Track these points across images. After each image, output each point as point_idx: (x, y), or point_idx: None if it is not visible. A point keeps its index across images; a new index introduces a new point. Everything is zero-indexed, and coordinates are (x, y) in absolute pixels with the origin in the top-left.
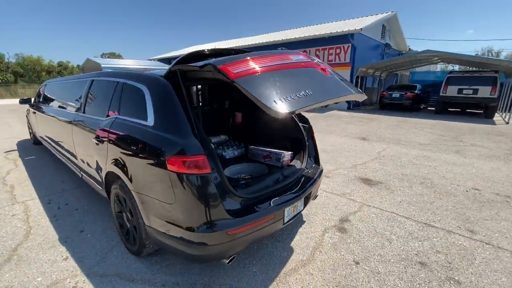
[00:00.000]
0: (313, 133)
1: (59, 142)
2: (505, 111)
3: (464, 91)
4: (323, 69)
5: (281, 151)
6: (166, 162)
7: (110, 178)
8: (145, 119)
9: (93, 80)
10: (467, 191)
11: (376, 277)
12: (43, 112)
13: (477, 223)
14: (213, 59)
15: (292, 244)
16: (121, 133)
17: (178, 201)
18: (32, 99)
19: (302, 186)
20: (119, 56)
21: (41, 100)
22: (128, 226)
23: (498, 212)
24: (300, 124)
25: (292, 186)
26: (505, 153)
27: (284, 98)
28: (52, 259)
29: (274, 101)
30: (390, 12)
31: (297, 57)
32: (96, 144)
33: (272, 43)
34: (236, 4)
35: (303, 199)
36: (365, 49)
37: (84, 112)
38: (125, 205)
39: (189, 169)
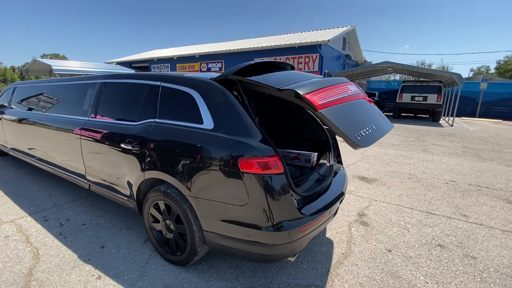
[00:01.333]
0: (334, 135)
1: (49, 152)
2: (447, 116)
3: (416, 98)
4: (369, 101)
5: (309, 152)
6: (239, 164)
7: (147, 186)
8: (199, 122)
9: (105, 83)
10: (446, 183)
11: (410, 261)
12: (18, 120)
13: (465, 208)
14: (292, 84)
15: (326, 240)
16: (167, 137)
17: (253, 202)
18: None
19: (339, 183)
20: (64, 58)
21: (10, 106)
22: (171, 235)
23: (477, 199)
24: (323, 126)
25: (331, 184)
26: (461, 150)
27: (360, 134)
28: (83, 279)
29: (355, 135)
30: (350, 26)
31: (352, 87)
32: (126, 150)
33: (244, 50)
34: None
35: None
36: (330, 59)
37: (95, 118)
38: (168, 213)
39: (265, 170)
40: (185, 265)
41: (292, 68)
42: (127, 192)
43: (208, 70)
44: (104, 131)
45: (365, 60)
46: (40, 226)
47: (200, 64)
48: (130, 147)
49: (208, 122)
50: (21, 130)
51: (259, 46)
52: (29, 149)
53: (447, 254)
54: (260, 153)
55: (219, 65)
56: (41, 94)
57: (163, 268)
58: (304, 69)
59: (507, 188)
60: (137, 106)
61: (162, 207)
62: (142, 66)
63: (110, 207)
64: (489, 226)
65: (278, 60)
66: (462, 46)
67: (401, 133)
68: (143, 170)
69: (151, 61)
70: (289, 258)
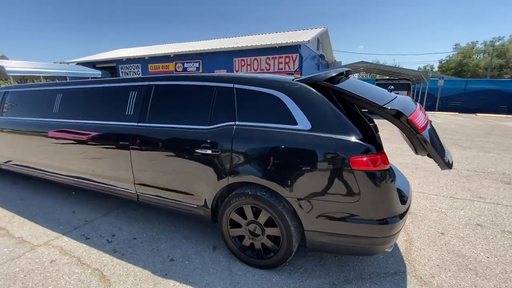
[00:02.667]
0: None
1: (76, 162)
2: None
3: None
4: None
5: None
6: (350, 162)
7: (226, 191)
8: (292, 123)
9: (154, 85)
10: (450, 170)
11: (464, 240)
12: (22, 129)
13: (477, 191)
14: (390, 103)
15: None
16: (257, 140)
17: (365, 198)
18: None
19: (402, 177)
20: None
21: (2, 114)
22: (256, 239)
23: (481, 182)
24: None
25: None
26: (447, 142)
27: (446, 155)
28: None
29: (445, 158)
30: (323, 27)
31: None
32: (201, 156)
33: (224, 50)
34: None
35: None
36: (308, 59)
37: (146, 123)
38: (255, 216)
39: (376, 166)
40: (275, 267)
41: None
42: (198, 200)
43: (184, 70)
44: (164, 138)
45: (335, 60)
46: (85, 245)
47: (175, 64)
48: (210, 152)
49: (303, 123)
50: (29, 140)
51: (240, 45)
52: (39, 161)
53: (488, 232)
54: (370, 150)
55: (196, 65)
56: (56, 99)
57: (251, 274)
58: (285, 69)
59: (497, 171)
60: (205, 109)
61: (248, 211)
62: (108, 66)
63: (152, 218)
64: (505, 204)
65: (348, 69)
66: (409, 47)
67: (385, 127)
68: (226, 174)
69: (118, 61)
70: (387, 249)
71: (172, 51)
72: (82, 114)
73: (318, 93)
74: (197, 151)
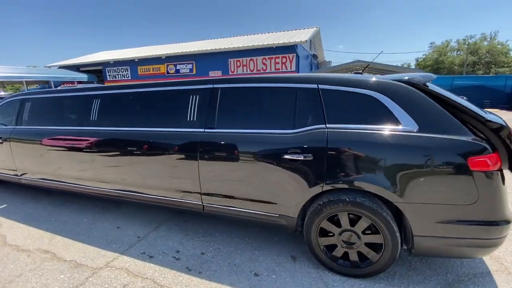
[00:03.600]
0: None
1: (127, 173)
2: None
3: None
4: None
5: None
6: (468, 163)
7: (321, 199)
8: (395, 124)
9: (219, 88)
10: None
11: None
12: (52, 139)
13: None
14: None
15: None
16: (357, 143)
17: (483, 199)
18: None
19: None
20: None
21: (22, 123)
22: (350, 247)
23: None
24: None
25: None
26: None
27: None
28: None
29: None
30: (316, 27)
31: None
32: (290, 162)
33: (219, 51)
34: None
35: None
36: (303, 59)
37: (215, 129)
38: (352, 224)
39: (493, 166)
40: (372, 276)
41: None
42: (281, 209)
43: (177, 71)
44: (240, 144)
45: (325, 60)
46: (152, 264)
47: (167, 65)
48: (301, 158)
49: (408, 124)
50: (59, 151)
51: (235, 46)
52: (72, 173)
53: None
54: (487, 150)
55: (189, 66)
56: (93, 105)
57: (348, 284)
58: (282, 69)
59: None
60: (286, 112)
61: (344, 218)
62: (94, 69)
63: (209, 229)
64: None
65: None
66: (385, 47)
67: None
68: (321, 181)
69: (106, 64)
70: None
71: (164, 53)
72: (129, 121)
73: (422, 94)
74: (285, 157)
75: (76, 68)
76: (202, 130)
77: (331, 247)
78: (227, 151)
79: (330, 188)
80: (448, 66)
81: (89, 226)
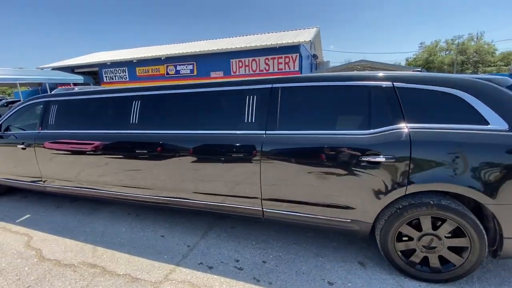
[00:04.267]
0: None
1: (162, 181)
2: None
3: None
4: None
5: None
6: None
7: (401, 202)
8: (482, 123)
9: (279, 88)
10: None
11: None
12: (92, 145)
13: None
14: None
15: None
16: (442, 143)
17: None
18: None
19: None
20: None
21: (47, 127)
22: (430, 251)
23: None
24: None
25: None
26: None
27: None
28: None
29: None
30: (316, 28)
31: None
32: (369, 165)
33: (222, 51)
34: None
35: None
36: (304, 59)
37: (278, 131)
38: (434, 228)
39: None
40: (456, 280)
41: None
42: (355, 213)
43: (177, 72)
44: (308, 146)
45: (323, 60)
46: (215, 276)
47: (167, 66)
48: (382, 160)
49: (498, 123)
50: (95, 156)
51: (237, 46)
52: (107, 179)
53: None
54: None
55: (190, 67)
56: (133, 107)
57: None
58: (285, 69)
59: None
60: (359, 111)
61: (426, 222)
62: (89, 71)
63: (262, 235)
64: None
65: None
66: (376, 47)
67: None
68: (404, 184)
69: (102, 65)
70: None
71: (164, 53)
72: (175, 124)
73: (511, 92)
74: (363, 159)
75: (71, 69)
76: (263, 132)
77: (409, 252)
78: (293, 154)
79: (414, 191)
80: (438, 65)
81: (130, 236)
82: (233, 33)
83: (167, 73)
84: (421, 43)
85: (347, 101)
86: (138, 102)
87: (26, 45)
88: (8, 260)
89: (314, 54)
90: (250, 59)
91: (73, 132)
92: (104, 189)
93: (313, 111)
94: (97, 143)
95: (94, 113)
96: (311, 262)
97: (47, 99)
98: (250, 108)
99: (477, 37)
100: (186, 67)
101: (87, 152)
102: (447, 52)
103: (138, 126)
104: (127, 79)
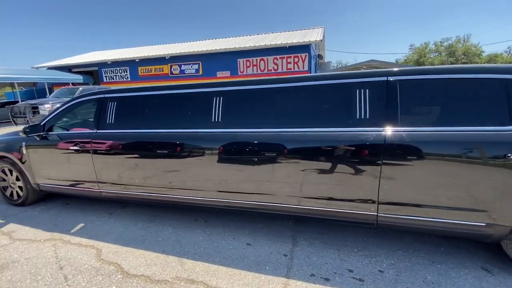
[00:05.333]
0: None
1: (255, 184)
2: None
3: None
4: None
5: None
6: None
7: None
8: None
9: (397, 81)
10: None
11: None
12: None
13: None
14: None
15: None
16: None
17: None
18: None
19: None
20: None
21: (106, 126)
22: None
23: None
24: None
25: None
26: None
27: None
28: None
29: None
30: (322, 27)
31: None
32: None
33: (228, 51)
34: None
35: None
36: (312, 58)
37: (401, 128)
38: None
39: None
40: None
41: None
42: (493, 217)
43: (182, 72)
44: (442, 145)
45: (324, 60)
46: (320, 286)
47: (171, 66)
48: None
49: None
50: (172, 158)
51: (246, 46)
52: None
53: None
54: None
55: (196, 66)
56: (214, 104)
57: None
58: (294, 69)
59: None
60: (497, 106)
61: None
62: (87, 71)
63: (357, 242)
64: None
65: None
66: (368, 48)
67: None
68: None
69: (102, 64)
70: None
71: (168, 53)
72: (270, 121)
73: None
74: (510, 156)
75: (68, 69)
76: (381, 129)
77: None
78: (424, 155)
79: None
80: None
81: (212, 245)
82: (233, 33)
83: (171, 73)
84: (411, 45)
85: (480, 94)
86: (220, 98)
87: (20, 44)
88: (87, 278)
89: (319, 54)
90: (258, 58)
91: (138, 131)
92: (171, 193)
93: (441, 105)
94: (169, 143)
95: (163, 111)
96: (430, 269)
97: (101, 96)
98: (363, 103)
99: (464, 40)
100: (191, 66)
101: (156, 154)
102: (436, 54)
103: (222, 125)
104: (129, 79)
